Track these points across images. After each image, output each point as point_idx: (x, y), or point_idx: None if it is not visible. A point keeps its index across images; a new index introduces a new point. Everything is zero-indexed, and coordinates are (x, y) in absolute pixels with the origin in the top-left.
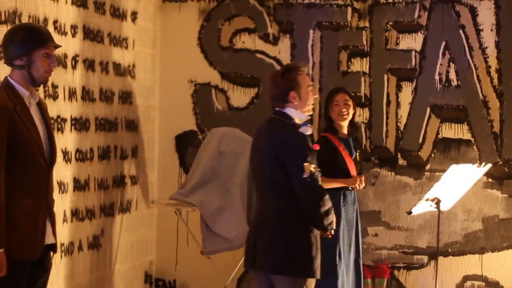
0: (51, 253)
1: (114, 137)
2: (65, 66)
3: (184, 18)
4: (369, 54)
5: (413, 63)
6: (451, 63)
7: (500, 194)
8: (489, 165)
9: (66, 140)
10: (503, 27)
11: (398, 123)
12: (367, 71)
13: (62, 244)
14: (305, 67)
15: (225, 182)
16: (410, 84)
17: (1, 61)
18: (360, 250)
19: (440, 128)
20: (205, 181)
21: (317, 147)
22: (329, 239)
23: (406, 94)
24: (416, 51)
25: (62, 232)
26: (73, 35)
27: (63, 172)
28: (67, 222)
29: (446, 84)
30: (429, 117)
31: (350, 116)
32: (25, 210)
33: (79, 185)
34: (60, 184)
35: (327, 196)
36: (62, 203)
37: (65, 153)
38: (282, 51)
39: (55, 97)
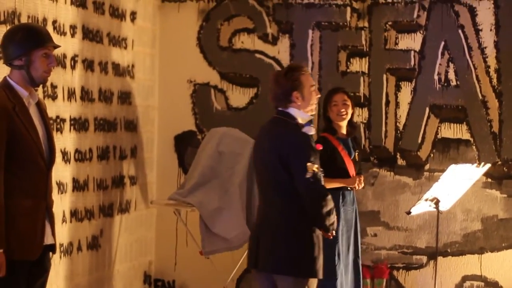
0: (50, 253)
1: (113, 137)
2: (64, 66)
3: (183, 18)
4: (368, 54)
5: (412, 63)
6: (450, 63)
7: (499, 194)
8: (488, 165)
9: (65, 140)
10: (502, 27)
11: (397, 123)
12: (366, 71)
13: (61, 245)
14: (307, 67)
15: (224, 182)
16: (409, 84)
17: (0, 61)
18: (359, 250)
19: (439, 128)
20: (204, 181)
21: (320, 147)
22: (328, 239)
23: (405, 94)
24: (415, 51)
25: (61, 232)
26: (72, 35)
27: (62, 172)
28: (66, 222)
29: (445, 84)
30: (428, 117)
31: (349, 116)
32: (24, 210)
33: (78, 186)
34: (59, 184)
35: (329, 197)
36: (61, 204)
37: (64, 154)
38: (281, 51)
39: (54, 97)
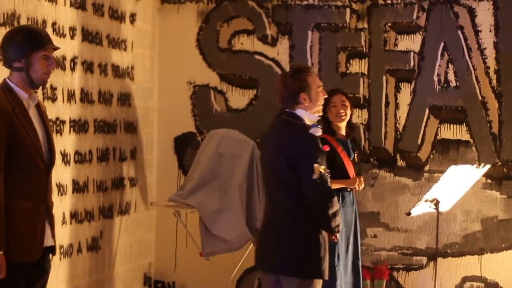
0: (50, 255)
1: (113, 139)
2: (63, 68)
3: (183, 19)
4: (367, 55)
5: (412, 64)
6: (449, 64)
7: (499, 195)
8: (488, 166)
9: (65, 142)
10: (501, 28)
11: (397, 124)
12: (366, 72)
13: (61, 246)
14: (314, 68)
15: (224, 184)
16: (409, 85)
17: (0, 63)
18: (359, 251)
19: (439, 129)
20: (204, 182)
21: (327, 148)
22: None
23: (405, 95)
24: (414, 52)
25: (61, 234)
26: (72, 37)
27: (62, 174)
28: (66, 224)
29: (445, 85)
30: (428, 118)
31: (348, 117)
32: (24, 212)
33: (78, 187)
34: (59, 186)
35: (335, 198)
36: (61, 205)
37: (64, 155)
38: (281, 52)
39: (53, 99)
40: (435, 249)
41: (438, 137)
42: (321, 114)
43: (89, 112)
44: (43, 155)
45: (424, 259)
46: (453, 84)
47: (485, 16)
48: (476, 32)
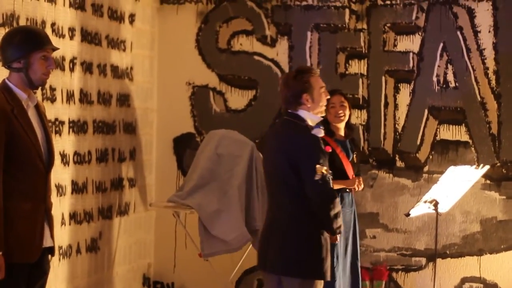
0: (49, 256)
1: (112, 140)
2: (63, 69)
3: (182, 20)
4: (367, 56)
5: (411, 64)
6: (449, 64)
7: (498, 195)
8: (487, 167)
9: (64, 142)
10: (500, 29)
11: (396, 125)
12: (365, 73)
13: (60, 247)
14: (317, 69)
15: (223, 185)
16: (408, 86)
17: None
18: (358, 252)
19: (438, 130)
20: (203, 183)
21: (329, 149)
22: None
23: (404, 96)
24: (414, 53)
25: (61, 235)
26: (71, 38)
27: (61, 175)
28: (65, 225)
29: (444, 86)
30: (427, 119)
31: (347, 118)
32: (23, 213)
33: (77, 188)
34: (58, 187)
35: (337, 199)
36: (60, 206)
37: (63, 156)
38: (280, 53)
39: (53, 99)
40: (434, 250)
41: (437, 138)
42: (323, 114)
43: (88, 112)
44: (42, 156)
45: (423, 260)
46: (452, 84)
47: (484, 17)
48: (475, 33)
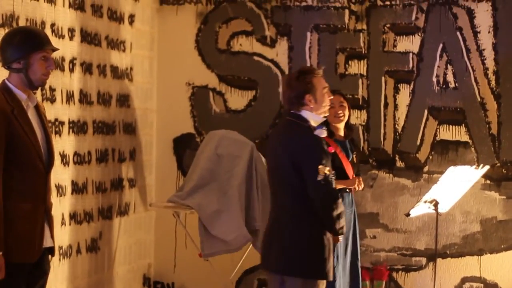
0: (49, 256)
1: (112, 140)
2: (62, 69)
3: (182, 20)
4: (366, 57)
5: (411, 65)
6: (448, 65)
7: (498, 195)
8: (487, 167)
9: (64, 143)
10: (500, 29)
11: (396, 125)
12: (365, 74)
13: (60, 247)
14: (320, 69)
15: (223, 185)
16: (408, 86)
17: None
18: (358, 252)
19: (438, 130)
20: (203, 183)
21: (332, 149)
22: None
23: (404, 96)
24: (413, 53)
25: (61, 235)
26: (71, 38)
27: (61, 175)
28: (65, 225)
29: (444, 86)
30: (427, 119)
31: (346, 118)
32: (23, 213)
33: (77, 188)
34: (58, 187)
35: (340, 200)
36: (60, 206)
37: (63, 156)
38: (280, 53)
39: (52, 100)
40: (435, 250)
41: (437, 138)
42: (327, 114)
43: (88, 113)
44: (42, 156)
45: (423, 260)
46: (452, 85)
47: (484, 17)
48: (475, 33)
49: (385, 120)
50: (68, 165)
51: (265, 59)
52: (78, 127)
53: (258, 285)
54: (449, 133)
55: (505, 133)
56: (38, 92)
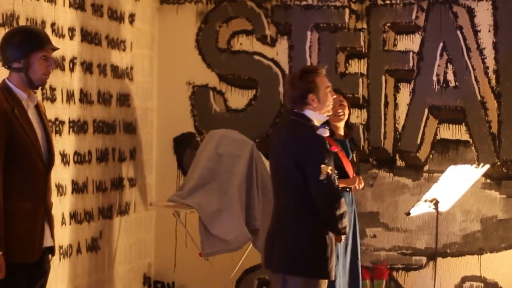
0: (50, 255)
1: (112, 140)
2: (63, 69)
3: (182, 20)
4: (367, 56)
5: (411, 64)
6: (449, 64)
7: (499, 194)
8: (487, 166)
9: (64, 142)
10: (500, 28)
11: (396, 124)
12: (365, 73)
13: (60, 247)
14: (323, 68)
15: (223, 184)
16: (408, 85)
17: None
18: (358, 251)
19: (438, 129)
20: (203, 183)
21: (335, 149)
22: None
23: (404, 95)
24: (413, 52)
25: (61, 234)
26: (71, 38)
27: (61, 174)
28: (65, 224)
29: (444, 85)
30: (427, 118)
31: (346, 117)
32: (24, 212)
33: (78, 188)
34: (59, 186)
35: (343, 200)
36: (60, 206)
37: (63, 156)
38: (280, 52)
39: (53, 99)
40: (435, 249)
41: (438, 137)
42: (330, 113)
43: (88, 112)
44: (42, 156)
45: (423, 259)
46: (452, 84)
47: (484, 16)
48: (475, 32)
49: (385, 119)
50: (68, 165)
51: (265, 58)
52: (78, 127)
53: (258, 284)
54: (449, 132)
55: (505, 132)
56: (38, 91)
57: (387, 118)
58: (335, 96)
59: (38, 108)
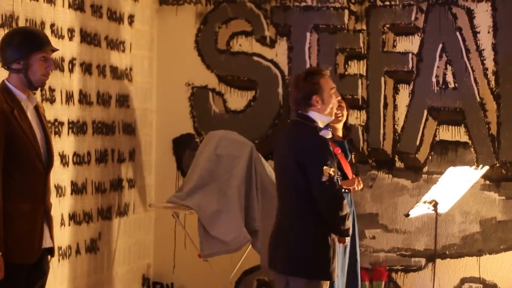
0: (49, 256)
1: (111, 141)
2: (62, 70)
3: (181, 21)
4: (366, 57)
5: (410, 65)
6: (448, 65)
7: (498, 196)
8: (486, 167)
9: (64, 143)
10: (500, 29)
11: (395, 126)
12: (364, 74)
13: (60, 248)
14: (327, 70)
15: (222, 185)
16: (407, 86)
17: None
18: (357, 252)
19: (437, 130)
20: (202, 184)
21: (338, 150)
22: None
23: (403, 96)
24: (413, 54)
25: (60, 235)
26: (70, 39)
27: (60, 175)
28: (64, 225)
29: (443, 87)
30: (426, 120)
31: (344, 118)
32: (23, 213)
33: (77, 189)
34: (58, 187)
35: (345, 201)
36: (59, 207)
37: (63, 157)
38: (279, 54)
39: (52, 100)
40: (434, 251)
41: (437, 139)
42: (333, 115)
43: (88, 113)
44: (41, 157)
45: (422, 261)
46: (451, 85)
47: (483, 18)
48: (475, 34)
49: (384, 120)
50: (67, 166)
51: (264, 59)
52: (77, 128)
53: (258, 285)
54: (448, 133)
55: (504, 133)
56: (38, 92)
57: (386, 120)
58: (339, 98)
59: (37, 109)
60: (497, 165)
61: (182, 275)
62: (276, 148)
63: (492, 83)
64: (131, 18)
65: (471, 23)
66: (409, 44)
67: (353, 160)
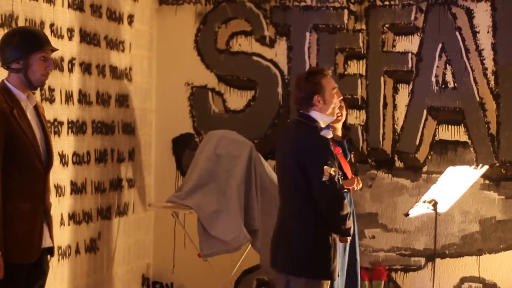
0: (49, 256)
1: (111, 140)
2: (61, 69)
3: (181, 21)
4: (365, 57)
5: (410, 65)
6: (447, 65)
7: (497, 195)
8: (486, 167)
9: (63, 143)
10: (499, 29)
11: (395, 125)
12: (364, 74)
13: (59, 247)
14: (329, 70)
15: (222, 185)
16: (407, 86)
17: None
18: (357, 252)
19: (437, 130)
20: (202, 184)
21: (339, 150)
22: None
23: (403, 96)
24: (412, 53)
25: (60, 235)
26: (70, 38)
27: (60, 175)
28: (64, 225)
29: (443, 86)
30: (426, 119)
31: (344, 118)
32: (22, 213)
33: (76, 188)
34: (57, 187)
35: (345, 201)
36: (59, 206)
37: (62, 157)
38: (279, 53)
39: (51, 100)
40: (433, 250)
41: (436, 138)
42: (335, 115)
43: (87, 113)
44: (41, 156)
45: (422, 260)
46: (451, 85)
47: (483, 17)
48: (474, 33)
49: (384, 120)
50: (67, 165)
51: (264, 59)
52: (77, 127)
53: (257, 285)
54: (448, 133)
55: (504, 133)
56: (37, 92)
57: (386, 119)
58: (341, 97)
59: (37, 109)
60: (497, 164)
61: (181, 274)
62: (277, 148)
63: (492, 82)
64: (130, 18)
65: (470, 23)
66: (409, 44)
67: (353, 159)
